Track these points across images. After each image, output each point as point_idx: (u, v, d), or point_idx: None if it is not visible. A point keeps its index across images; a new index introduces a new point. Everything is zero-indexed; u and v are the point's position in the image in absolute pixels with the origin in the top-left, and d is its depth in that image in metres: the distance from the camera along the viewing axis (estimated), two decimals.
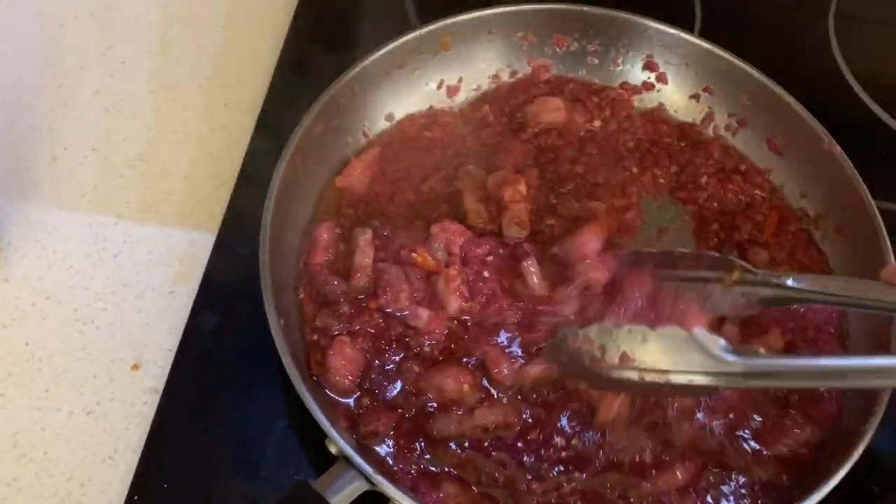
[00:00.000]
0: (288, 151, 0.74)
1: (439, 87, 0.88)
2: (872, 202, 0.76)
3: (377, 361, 0.69)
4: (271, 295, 0.66)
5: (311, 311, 0.72)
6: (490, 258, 0.73)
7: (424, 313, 0.71)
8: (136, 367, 0.75)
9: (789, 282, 0.64)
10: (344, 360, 0.68)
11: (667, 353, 0.63)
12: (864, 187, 0.77)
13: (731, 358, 0.60)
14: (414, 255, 0.73)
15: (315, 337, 0.70)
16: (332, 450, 0.61)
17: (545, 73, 0.90)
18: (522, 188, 0.78)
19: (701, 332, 0.61)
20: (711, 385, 0.62)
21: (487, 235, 0.75)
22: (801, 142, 0.82)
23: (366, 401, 0.68)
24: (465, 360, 0.70)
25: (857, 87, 1.00)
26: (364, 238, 0.74)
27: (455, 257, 0.73)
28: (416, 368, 0.69)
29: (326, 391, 0.68)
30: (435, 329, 0.71)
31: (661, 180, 0.84)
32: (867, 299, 0.61)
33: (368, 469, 0.58)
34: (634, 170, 0.84)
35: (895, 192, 0.91)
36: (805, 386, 0.68)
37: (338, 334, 0.69)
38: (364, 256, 0.73)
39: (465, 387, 0.68)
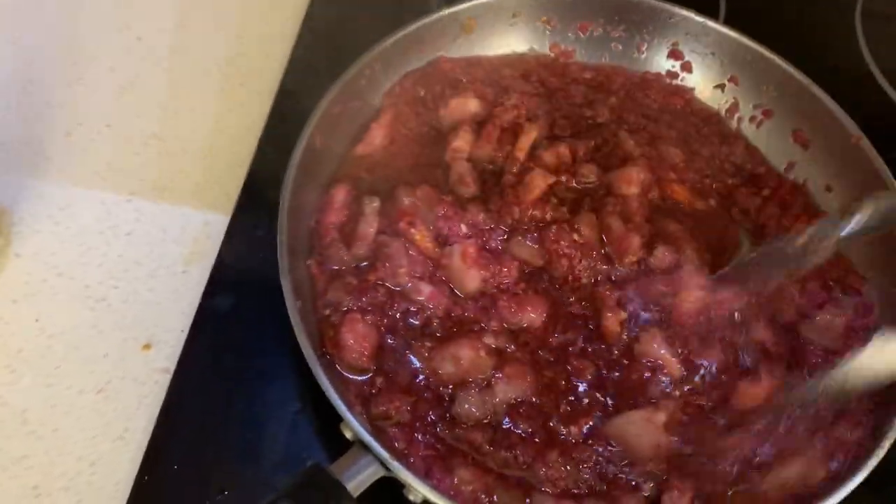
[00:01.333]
0: (306, 133, 0.72)
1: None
2: None
3: (390, 338, 0.68)
4: (289, 277, 0.64)
5: (322, 284, 0.70)
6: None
7: (426, 288, 0.70)
8: (147, 346, 0.74)
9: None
10: (357, 337, 0.67)
11: None
12: (894, 181, 0.75)
13: None
14: (413, 230, 0.72)
15: (327, 312, 0.69)
16: (348, 434, 0.60)
17: (568, 59, 0.89)
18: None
19: None
20: None
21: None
22: (828, 135, 0.80)
23: (379, 380, 0.66)
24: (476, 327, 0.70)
25: (882, 82, 0.98)
26: (371, 207, 0.74)
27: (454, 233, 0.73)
28: (429, 343, 0.68)
29: (341, 371, 0.66)
30: (439, 304, 0.70)
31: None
32: None
33: (385, 454, 0.57)
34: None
35: None
36: None
37: (348, 310, 0.68)
38: (368, 226, 0.73)
39: (482, 353, 0.67)
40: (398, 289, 0.70)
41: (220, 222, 0.81)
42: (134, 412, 0.71)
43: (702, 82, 0.88)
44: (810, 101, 0.80)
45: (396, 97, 0.83)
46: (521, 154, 0.79)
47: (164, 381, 0.72)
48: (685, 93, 0.88)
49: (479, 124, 0.82)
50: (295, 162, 0.70)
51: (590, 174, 0.79)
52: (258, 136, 0.86)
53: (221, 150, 0.86)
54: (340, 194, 0.75)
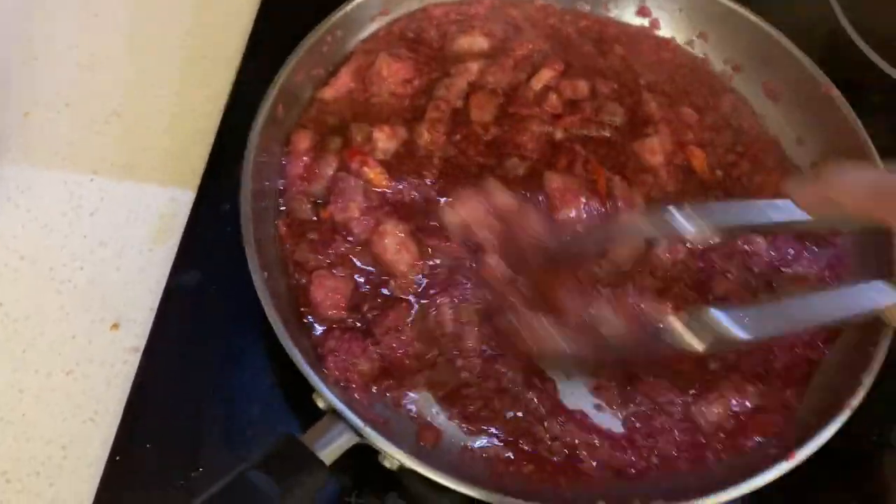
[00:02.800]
0: (267, 103, 0.71)
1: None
2: (873, 147, 0.74)
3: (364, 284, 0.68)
4: (254, 246, 0.63)
5: (290, 246, 0.70)
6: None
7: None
8: (115, 326, 0.73)
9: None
10: (328, 292, 0.67)
11: None
12: (864, 132, 0.74)
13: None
14: (366, 168, 0.72)
15: (297, 276, 0.68)
16: (320, 404, 0.59)
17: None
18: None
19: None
20: None
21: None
22: (798, 87, 0.79)
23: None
24: None
25: (854, 36, 0.97)
26: (333, 145, 0.74)
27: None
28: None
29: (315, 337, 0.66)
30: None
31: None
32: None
33: (359, 422, 0.56)
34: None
35: (892, 141, 0.90)
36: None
37: (314, 268, 0.67)
38: (327, 166, 0.72)
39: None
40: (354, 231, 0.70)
41: (186, 198, 0.79)
42: (104, 393, 0.70)
43: (671, 40, 0.87)
44: (780, 53, 0.80)
45: (374, 43, 0.82)
46: (537, 84, 0.79)
47: (134, 360, 0.70)
48: (670, 44, 0.87)
49: (492, 58, 0.82)
50: (255, 137, 0.69)
51: (615, 113, 0.79)
52: (222, 108, 0.84)
53: (185, 125, 0.85)
54: (303, 142, 0.74)
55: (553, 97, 0.79)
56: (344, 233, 0.70)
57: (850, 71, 0.94)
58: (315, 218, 0.71)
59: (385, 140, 0.75)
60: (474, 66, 0.81)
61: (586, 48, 0.85)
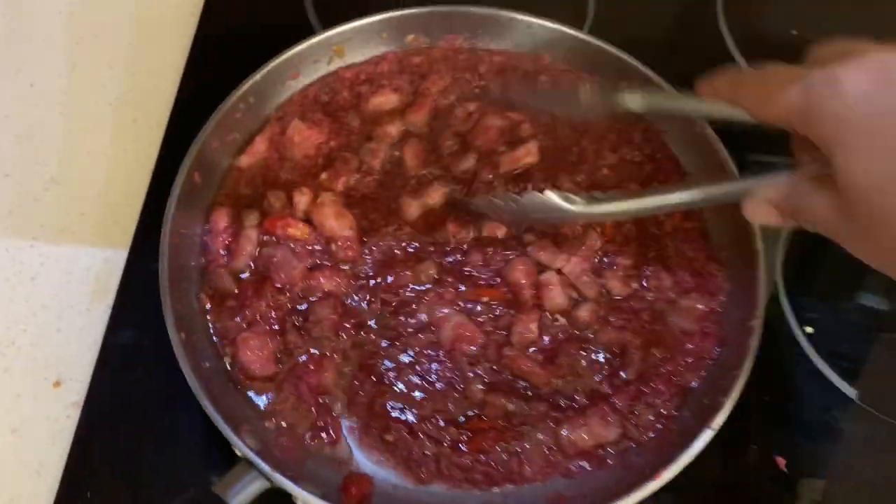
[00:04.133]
0: (184, 170, 0.77)
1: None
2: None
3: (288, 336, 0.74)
4: (171, 312, 0.70)
5: (213, 316, 0.76)
6: None
7: (323, 280, 0.76)
8: (57, 383, 0.79)
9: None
10: (252, 353, 0.73)
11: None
12: (732, 165, 0.81)
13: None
14: (290, 230, 0.77)
15: (224, 345, 0.74)
16: (238, 452, 0.66)
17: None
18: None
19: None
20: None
21: None
22: (678, 124, 0.86)
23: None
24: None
25: (745, 65, 1.04)
26: (249, 220, 0.79)
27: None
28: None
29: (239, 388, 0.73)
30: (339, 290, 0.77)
31: None
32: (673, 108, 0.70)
33: (267, 469, 0.63)
34: None
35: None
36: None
37: (236, 334, 0.74)
38: (247, 241, 0.77)
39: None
40: (298, 292, 0.76)
41: (119, 258, 0.86)
42: (49, 447, 0.76)
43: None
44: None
45: (289, 108, 0.88)
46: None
47: (76, 415, 0.77)
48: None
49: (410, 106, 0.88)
50: (173, 201, 0.75)
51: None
52: (151, 171, 0.90)
53: (118, 188, 0.91)
54: (221, 219, 0.79)
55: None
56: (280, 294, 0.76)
57: None
58: (237, 290, 0.77)
59: (306, 202, 0.80)
60: (393, 130, 0.86)
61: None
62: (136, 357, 0.80)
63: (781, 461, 0.77)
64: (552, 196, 0.67)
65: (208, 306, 0.76)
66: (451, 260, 0.78)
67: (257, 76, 0.84)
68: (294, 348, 0.74)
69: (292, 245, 0.77)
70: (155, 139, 0.93)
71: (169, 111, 0.95)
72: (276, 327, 0.75)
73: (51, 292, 0.84)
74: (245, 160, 0.84)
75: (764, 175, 0.58)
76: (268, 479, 0.63)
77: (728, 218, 0.79)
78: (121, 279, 0.84)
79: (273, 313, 0.74)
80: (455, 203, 0.81)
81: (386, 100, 0.89)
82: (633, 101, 0.68)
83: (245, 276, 0.77)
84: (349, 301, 0.76)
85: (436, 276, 0.76)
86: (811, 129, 0.49)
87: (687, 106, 0.66)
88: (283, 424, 0.71)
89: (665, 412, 0.73)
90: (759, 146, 0.94)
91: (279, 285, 0.75)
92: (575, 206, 0.66)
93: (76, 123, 0.96)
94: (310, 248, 0.78)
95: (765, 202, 0.58)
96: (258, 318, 0.74)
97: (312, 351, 0.73)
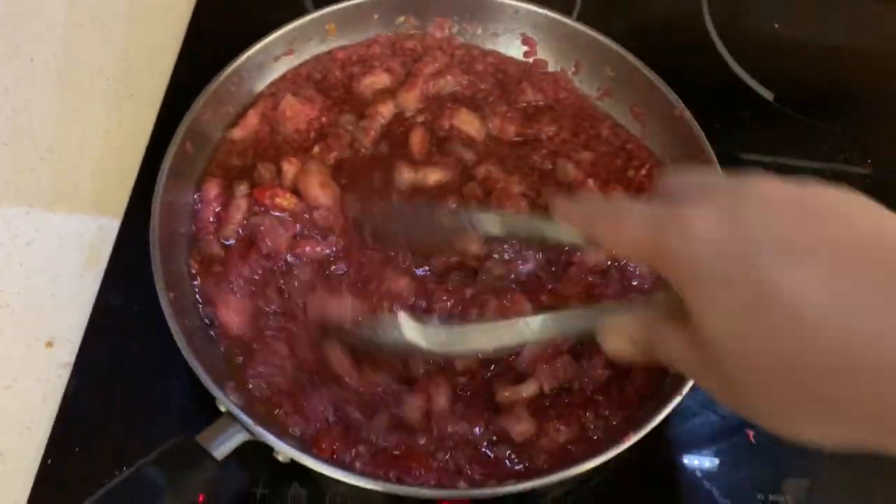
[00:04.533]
0: (176, 140, 0.79)
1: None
2: (718, 165, 0.82)
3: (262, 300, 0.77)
4: (161, 273, 0.72)
5: (201, 278, 0.78)
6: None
7: (308, 249, 0.78)
8: (49, 344, 0.81)
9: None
10: (231, 313, 0.75)
11: None
12: (711, 150, 0.83)
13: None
14: (278, 199, 0.79)
15: (208, 306, 0.77)
16: (221, 407, 0.68)
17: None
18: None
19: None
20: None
21: None
22: (657, 109, 0.88)
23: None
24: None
25: (727, 57, 1.07)
26: (239, 190, 0.81)
27: None
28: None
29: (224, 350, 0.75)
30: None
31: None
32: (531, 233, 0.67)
33: (249, 421, 0.65)
34: None
35: (761, 150, 1.00)
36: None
37: (220, 295, 0.76)
38: (236, 210, 0.80)
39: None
40: (285, 260, 0.78)
41: (113, 227, 0.88)
42: (39, 405, 0.78)
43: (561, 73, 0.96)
44: (639, 78, 0.89)
45: (281, 84, 0.91)
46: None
47: (67, 375, 0.79)
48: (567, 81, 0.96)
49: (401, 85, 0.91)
50: (166, 166, 0.78)
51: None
52: (145, 144, 0.93)
53: (112, 160, 0.93)
54: (212, 189, 0.82)
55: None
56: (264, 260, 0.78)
57: (724, 91, 1.04)
58: (223, 255, 0.79)
59: (294, 172, 0.83)
60: (385, 110, 0.89)
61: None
62: (125, 320, 0.82)
63: (751, 433, 0.80)
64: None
65: (195, 270, 0.78)
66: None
67: (251, 51, 0.87)
68: (272, 312, 0.76)
69: (279, 214, 0.79)
70: (150, 115, 0.95)
71: (164, 88, 0.98)
72: (256, 290, 0.77)
73: (45, 258, 0.87)
74: (237, 133, 0.86)
75: (621, 306, 0.59)
76: (249, 431, 0.66)
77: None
78: (113, 246, 0.86)
79: (256, 277, 0.77)
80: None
81: (377, 79, 0.91)
82: (491, 223, 0.68)
83: (231, 242, 0.79)
84: (332, 269, 0.79)
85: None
86: (665, 270, 0.47)
87: (544, 230, 0.63)
88: (263, 385, 0.73)
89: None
90: (753, 146, 0.98)
91: (265, 252, 0.78)
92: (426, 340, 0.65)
93: (72, 98, 0.98)
94: (296, 217, 0.80)
95: (620, 333, 0.54)
96: (241, 281, 0.77)
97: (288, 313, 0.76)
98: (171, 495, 0.58)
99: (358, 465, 0.70)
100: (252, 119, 0.87)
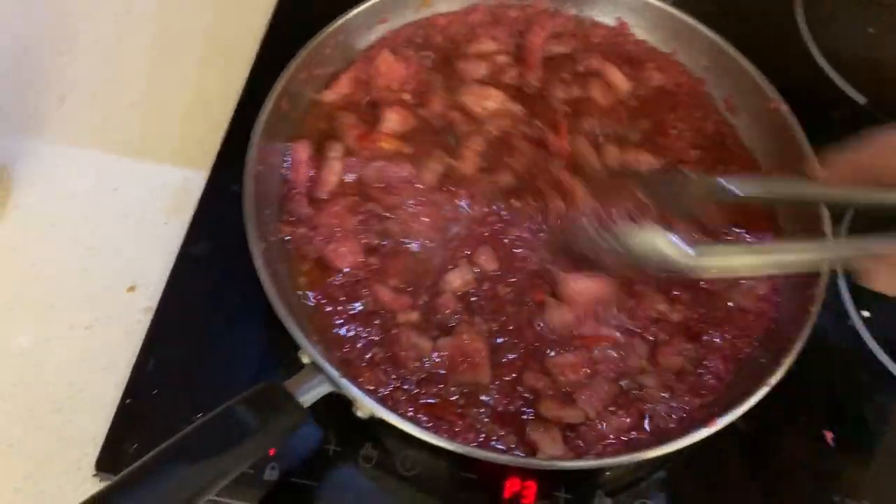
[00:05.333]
0: (272, 96, 0.80)
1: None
2: (814, 158, 0.81)
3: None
4: (254, 220, 0.73)
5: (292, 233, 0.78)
6: None
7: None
8: (132, 288, 0.82)
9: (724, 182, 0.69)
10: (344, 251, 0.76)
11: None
12: (808, 144, 0.82)
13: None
14: (382, 143, 0.81)
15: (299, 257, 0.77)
16: (304, 360, 0.68)
17: None
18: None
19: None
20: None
21: None
22: (752, 101, 0.87)
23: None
24: None
25: (819, 58, 1.05)
26: (333, 152, 0.81)
27: None
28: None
29: (305, 303, 0.75)
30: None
31: None
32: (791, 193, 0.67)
33: (335, 373, 0.65)
34: None
35: None
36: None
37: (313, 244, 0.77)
38: (331, 172, 0.80)
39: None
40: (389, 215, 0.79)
41: (198, 179, 0.89)
42: (119, 345, 0.79)
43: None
44: (736, 69, 0.87)
45: (378, 45, 0.91)
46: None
47: (146, 319, 0.80)
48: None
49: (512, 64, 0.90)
50: (262, 120, 0.78)
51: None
52: (235, 101, 0.93)
53: (200, 114, 0.94)
54: (303, 151, 0.82)
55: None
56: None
57: (813, 91, 1.02)
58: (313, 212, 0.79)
59: (396, 120, 0.83)
60: (497, 94, 0.87)
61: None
62: (208, 269, 0.83)
63: (829, 435, 0.78)
64: (660, 240, 0.64)
65: (287, 230, 0.78)
66: None
67: (349, 15, 0.87)
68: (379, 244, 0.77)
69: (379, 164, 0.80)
70: (240, 73, 0.96)
71: (256, 48, 0.98)
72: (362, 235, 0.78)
73: (131, 204, 0.88)
74: (329, 95, 0.87)
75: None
76: (334, 383, 0.66)
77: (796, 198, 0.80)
78: (200, 197, 0.87)
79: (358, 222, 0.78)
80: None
81: (483, 47, 0.91)
82: (751, 186, 0.68)
83: (325, 197, 0.80)
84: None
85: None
86: None
87: (807, 190, 0.65)
88: (350, 332, 0.73)
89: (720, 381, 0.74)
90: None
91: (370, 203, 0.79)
92: (687, 257, 0.63)
93: (165, 51, 0.99)
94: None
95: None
96: (340, 231, 0.77)
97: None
98: (261, 435, 0.58)
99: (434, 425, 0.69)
100: (344, 82, 0.87)
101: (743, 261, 0.65)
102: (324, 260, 0.76)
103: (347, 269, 0.76)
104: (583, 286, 0.74)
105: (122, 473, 0.53)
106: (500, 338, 0.74)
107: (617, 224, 0.71)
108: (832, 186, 0.57)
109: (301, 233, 0.78)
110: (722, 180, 0.69)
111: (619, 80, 0.89)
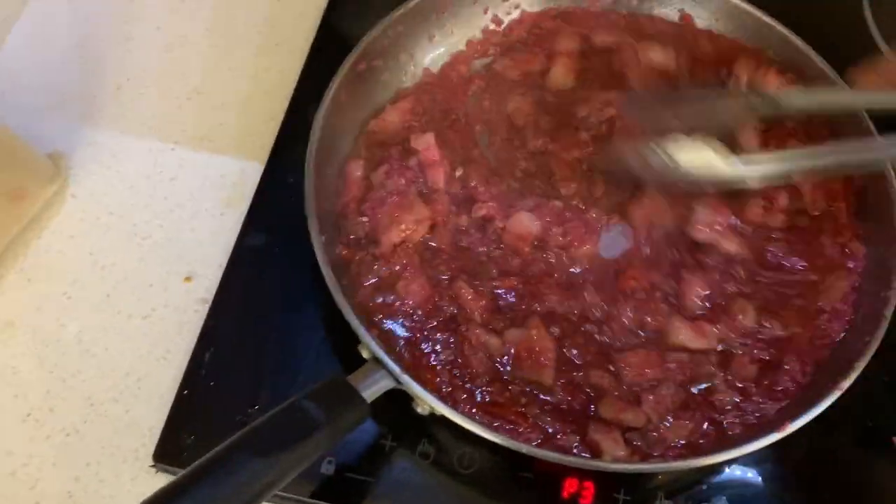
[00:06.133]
0: (333, 86, 0.78)
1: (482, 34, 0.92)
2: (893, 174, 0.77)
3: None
4: (314, 214, 0.72)
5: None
6: None
7: None
8: (188, 279, 0.82)
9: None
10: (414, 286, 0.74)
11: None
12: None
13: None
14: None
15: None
16: (364, 354, 0.68)
17: None
18: None
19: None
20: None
21: None
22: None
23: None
24: None
25: (886, 51, 1.02)
26: (382, 170, 0.79)
27: None
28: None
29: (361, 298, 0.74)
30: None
31: None
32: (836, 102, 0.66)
33: (396, 368, 0.64)
34: None
35: None
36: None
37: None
38: (381, 188, 0.78)
39: None
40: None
41: (255, 170, 0.88)
42: (176, 336, 0.79)
43: None
44: (805, 63, 0.84)
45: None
46: None
47: (203, 309, 0.80)
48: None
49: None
50: (322, 113, 0.77)
51: None
52: (291, 92, 0.93)
53: (257, 105, 0.94)
54: (356, 170, 0.80)
55: None
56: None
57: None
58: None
59: None
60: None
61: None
62: (265, 260, 0.82)
63: None
64: (707, 152, 0.63)
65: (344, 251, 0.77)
66: None
67: (410, 5, 0.85)
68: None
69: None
70: (296, 64, 0.95)
71: (311, 39, 0.97)
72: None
73: (187, 194, 0.87)
74: (375, 124, 0.85)
75: None
76: (395, 379, 0.65)
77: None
78: (256, 188, 0.86)
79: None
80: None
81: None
82: (795, 98, 0.67)
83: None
84: None
85: None
86: None
87: (855, 98, 0.63)
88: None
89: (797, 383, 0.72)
90: None
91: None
92: (735, 166, 0.62)
93: (222, 41, 0.99)
94: None
95: None
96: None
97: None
98: (327, 430, 0.57)
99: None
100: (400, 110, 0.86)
101: (794, 164, 0.64)
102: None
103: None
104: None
105: (194, 463, 0.53)
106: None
107: (664, 139, 0.69)
108: (879, 89, 0.56)
109: (361, 258, 0.76)
110: (764, 93, 0.67)
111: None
